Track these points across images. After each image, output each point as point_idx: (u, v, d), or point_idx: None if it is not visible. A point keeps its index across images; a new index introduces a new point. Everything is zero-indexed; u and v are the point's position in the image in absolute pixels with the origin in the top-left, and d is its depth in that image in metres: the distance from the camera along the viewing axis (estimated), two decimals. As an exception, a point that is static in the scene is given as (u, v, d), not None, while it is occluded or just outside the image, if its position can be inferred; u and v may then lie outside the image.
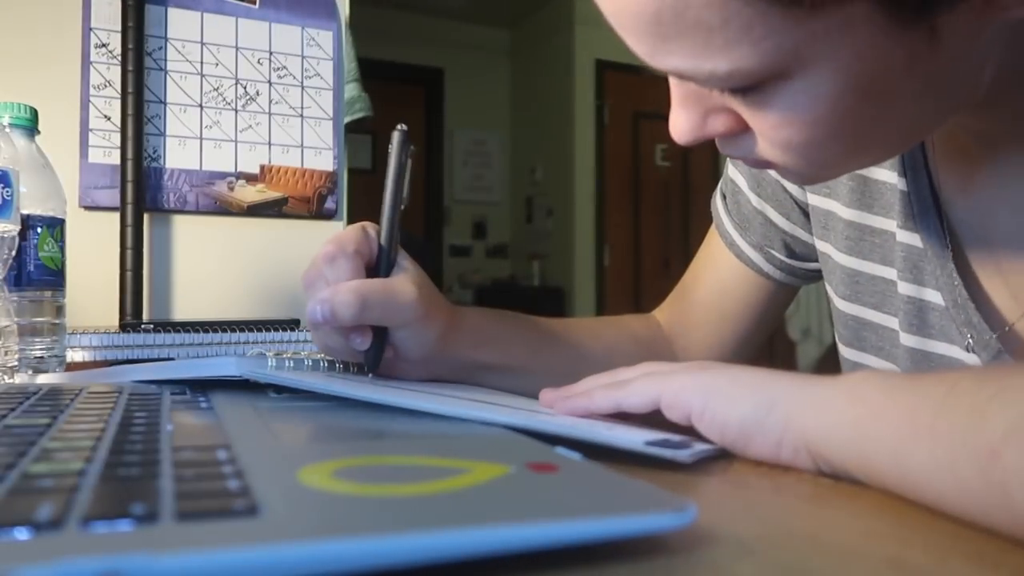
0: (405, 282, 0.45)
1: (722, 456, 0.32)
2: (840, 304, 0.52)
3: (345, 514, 0.18)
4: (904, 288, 0.46)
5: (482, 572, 0.17)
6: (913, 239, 0.46)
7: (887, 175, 0.47)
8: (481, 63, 4.96)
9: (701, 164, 4.62)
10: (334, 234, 0.45)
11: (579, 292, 4.27)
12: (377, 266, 0.45)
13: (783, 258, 0.60)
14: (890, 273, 0.48)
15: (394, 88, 4.57)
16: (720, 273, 0.63)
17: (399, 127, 0.46)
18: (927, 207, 0.45)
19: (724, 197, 0.63)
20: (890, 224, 0.48)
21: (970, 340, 0.44)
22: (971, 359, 0.44)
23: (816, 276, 0.61)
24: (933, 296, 0.45)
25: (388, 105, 4.07)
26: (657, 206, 4.52)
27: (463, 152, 4.93)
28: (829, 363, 4.82)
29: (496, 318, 0.54)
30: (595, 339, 0.61)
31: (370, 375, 0.44)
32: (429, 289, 0.46)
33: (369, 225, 0.47)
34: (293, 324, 0.95)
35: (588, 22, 4.35)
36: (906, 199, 0.46)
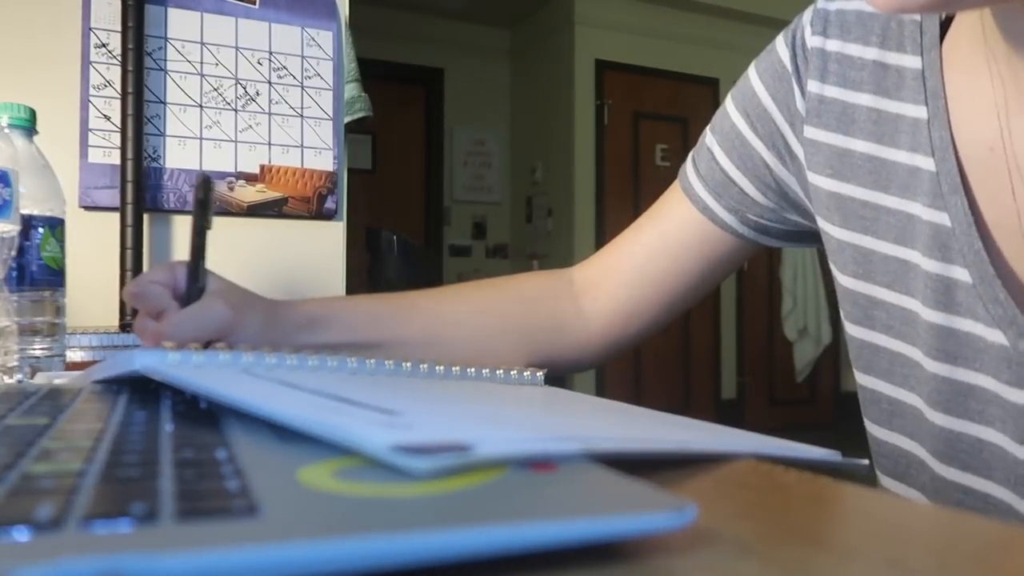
0: (212, 300, 0.50)
1: (721, 456, 0.32)
2: (848, 282, 0.52)
3: (345, 514, 0.18)
4: (930, 266, 0.46)
5: (482, 572, 0.17)
6: (941, 218, 0.46)
7: (912, 157, 0.48)
8: (481, 63, 4.97)
9: (701, 164, 4.62)
10: (137, 277, 0.52)
11: (579, 292, 4.26)
12: (187, 291, 0.51)
13: (759, 220, 0.59)
14: (905, 253, 0.48)
15: (394, 88, 4.58)
16: (672, 224, 0.62)
17: (201, 175, 0.54)
18: (955, 187, 0.45)
19: (695, 163, 0.62)
20: (908, 205, 0.48)
21: (995, 316, 0.44)
22: (995, 335, 0.44)
23: (790, 238, 0.61)
24: (960, 274, 0.45)
25: (388, 105, 4.09)
26: (657, 206, 4.52)
27: (463, 152, 4.93)
28: (826, 363, 4.82)
29: (337, 301, 0.58)
30: (463, 302, 0.62)
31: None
32: (239, 296, 0.52)
33: (175, 262, 0.53)
34: (293, 324, 0.95)
35: (588, 22, 4.35)
36: (935, 180, 0.46)
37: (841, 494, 0.27)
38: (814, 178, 0.53)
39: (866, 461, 0.33)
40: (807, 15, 0.54)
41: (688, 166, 0.63)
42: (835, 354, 4.81)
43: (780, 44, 0.56)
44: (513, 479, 0.21)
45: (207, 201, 0.52)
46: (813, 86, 0.53)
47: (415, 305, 0.60)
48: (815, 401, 4.84)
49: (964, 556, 0.21)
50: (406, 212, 4.76)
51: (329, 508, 0.19)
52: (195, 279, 0.51)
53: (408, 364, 0.47)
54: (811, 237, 0.60)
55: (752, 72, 0.58)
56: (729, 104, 0.60)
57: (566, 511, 0.19)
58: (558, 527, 0.18)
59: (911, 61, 0.49)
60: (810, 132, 0.53)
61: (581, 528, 0.18)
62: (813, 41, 0.53)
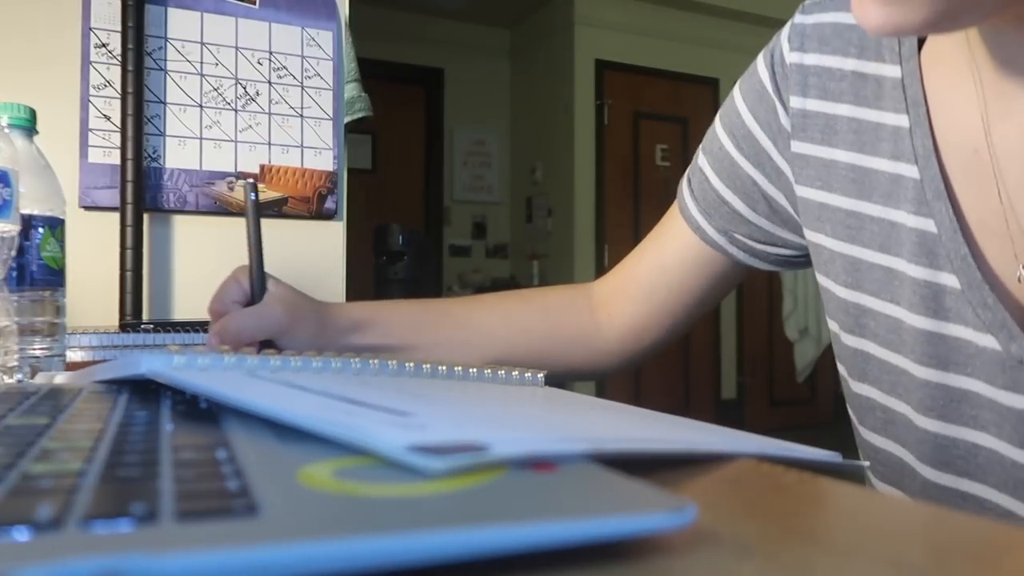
0: (271, 303, 0.55)
1: (721, 456, 0.32)
2: (841, 292, 0.52)
3: (345, 514, 0.18)
4: (917, 272, 0.47)
5: (482, 572, 0.17)
6: (927, 224, 0.46)
7: (894, 165, 0.48)
8: (481, 63, 4.97)
9: (701, 164, 4.63)
10: (216, 290, 0.57)
11: (579, 292, 4.27)
12: (251, 296, 0.56)
13: (748, 241, 0.61)
14: (890, 260, 0.49)
15: (394, 88, 4.58)
16: (671, 245, 0.65)
17: (247, 182, 0.57)
18: (939, 193, 0.46)
19: (690, 183, 0.64)
20: (891, 213, 0.48)
21: (985, 321, 0.44)
22: (986, 340, 0.44)
23: (779, 262, 0.62)
24: (949, 280, 0.45)
25: (388, 105, 4.10)
26: (657, 206, 4.52)
27: (463, 152, 4.93)
28: (827, 364, 4.82)
29: (379, 305, 0.63)
30: (493, 312, 0.66)
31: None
32: (295, 300, 0.57)
33: (239, 271, 0.58)
34: (293, 324, 0.95)
35: (588, 22, 4.35)
36: (919, 187, 0.47)
37: (841, 494, 0.27)
38: (803, 191, 0.54)
39: (866, 463, 0.33)
40: (785, 32, 0.55)
41: (684, 185, 0.65)
42: (833, 353, 4.80)
43: (760, 64, 0.57)
44: (513, 479, 0.21)
45: (258, 211, 0.57)
46: (796, 101, 0.53)
47: (449, 312, 0.65)
48: (815, 401, 4.84)
49: (964, 556, 0.21)
50: (406, 212, 4.76)
51: (329, 508, 0.19)
52: (260, 283, 0.56)
53: (411, 365, 0.47)
54: (800, 261, 0.62)
55: (736, 92, 0.59)
56: (717, 124, 0.61)
57: (566, 511, 0.19)
58: (558, 527, 0.18)
59: (890, 70, 0.49)
60: (797, 147, 0.53)
61: (581, 528, 0.18)
62: (791, 57, 0.53)
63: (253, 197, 0.56)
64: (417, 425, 0.26)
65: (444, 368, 0.48)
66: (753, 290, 4.71)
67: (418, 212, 4.84)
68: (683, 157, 4.58)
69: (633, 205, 4.47)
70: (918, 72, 0.48)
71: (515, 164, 4.97)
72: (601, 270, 4.33)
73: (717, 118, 0.62)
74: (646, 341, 0.68)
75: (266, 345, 0.55)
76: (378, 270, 1.85)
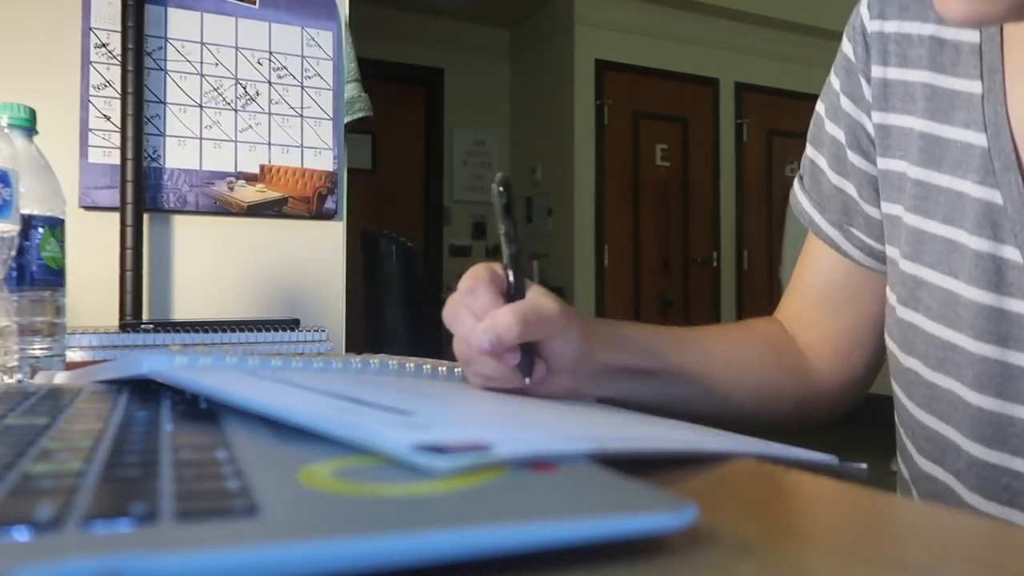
0: (544, 298, 0.46)
1: (720, 456, 0.32)
2: (903, 265, 0.51)
3: (345, 514, 0.18)
4: (979, 244, 0.46)
5: (482, 572, 0.17)
6: (992, 195, 0.45)
7: (964, 134, 0.47)
8: (481, 63, 4.97)
9: (701, 164, 4.63)
10: (467, 272, 0.47)
11: (579, 292, 4.27)
12: (510, 293, 0.46)
13: (862, 236, 0.58)
14: (953, 232, 0.48)
15: (394, 88, 4.58)
16: (817, 263, 0.62)
17: (499, 176, 0.48)
18: (1009, 163, 0.45)
19: (802, 180, 0.63)
20: (957, 183, 0.47)
21: None
22: None
23: None
24: (1012, 253, 0.44)
25: (388, 105, 4.10)
26: (657, 206, 4.53)
27: (463, 152, 4.93)
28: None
29: (624, 323, 0.55)
30: (723, 339, 0.60)
31: (526, 380, 0.44)
32: (561, 302, 0.48)
33: (493, 264, 0.48)
34: (293, 324, 0.95)
35: (588, 22, 4.35)
36: (986, 156, 0.46)
37: (841, 494, 0.27)
38: (884, 163, 0.53)
39: (864, 465, 0.33)
40: (863, 1, 0.54)
41: (796, 184, 0.63)
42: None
43: (844, 40, 0.56)
44: (513, 479, 0.21)
45: (512, 203, 0.48)
46: (876, 71, 0.53)
47: (684, 339, 0.58)
48: (815, 401, 4.84)
49: (964, 556, 0.21)
50: (406, 212, 4.76)
51: (329, 508, 0.19)
52: (521, 282, 0.46)
53: (411, 365, 0.47)
54: None
55: (832, 73, 0.58)
56: (820, 108, 0.60)
57: (566, 511, 0.19)
58: (558, 527, 0.18)
59: (968, 35, 0.48)
60: (877, 117, 0.53)
61: (581, 528, 0.18)
62: (872, 25, 0.53)
63: (504, 192, 0.47)
64: (420, 424, 0.27)
65: (444, 368, 0.48)
66: (753, 290, 4.71)
67: (418, 212, 4.84)
68: (683, 157, 4.58)
69: (633, 205, 4.47)
70: (998, 37, 0.46)
71: (515, 164, 4.97)
72: (601, 270, 4.33)
73: (819, 102, 0.60)
74: (855, 359, 0.61)
75: (528, 349, 0.44)
76: (366, 274, 1.87)
